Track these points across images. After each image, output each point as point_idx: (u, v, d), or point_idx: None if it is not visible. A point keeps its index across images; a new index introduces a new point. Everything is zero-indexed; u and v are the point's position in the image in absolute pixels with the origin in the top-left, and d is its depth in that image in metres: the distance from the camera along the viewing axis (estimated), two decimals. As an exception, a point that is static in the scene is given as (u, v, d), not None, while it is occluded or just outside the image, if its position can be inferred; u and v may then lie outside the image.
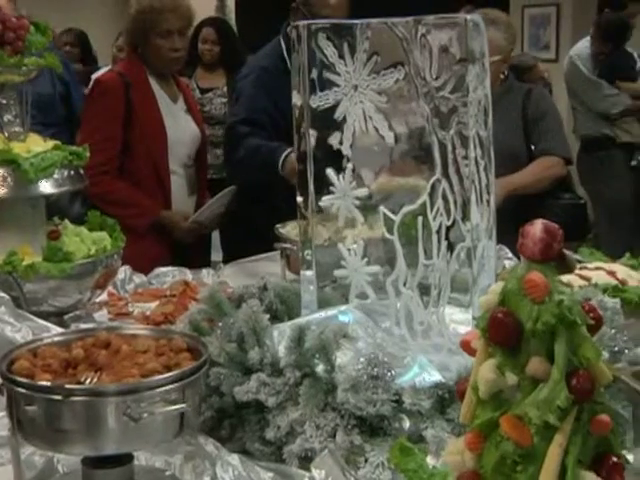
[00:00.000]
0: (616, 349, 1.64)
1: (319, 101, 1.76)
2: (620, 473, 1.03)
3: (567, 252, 1.04)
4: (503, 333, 1.02)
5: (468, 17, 1.61)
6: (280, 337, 1.68)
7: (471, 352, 1.08)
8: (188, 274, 2.75)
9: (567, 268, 1.04)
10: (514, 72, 5.38)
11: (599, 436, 1.03)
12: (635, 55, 5.75)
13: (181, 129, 3.45)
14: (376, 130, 1.74)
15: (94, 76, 4.56)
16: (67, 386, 1.34)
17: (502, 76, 3.45)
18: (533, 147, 3.38)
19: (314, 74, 1.75)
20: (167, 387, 1.33)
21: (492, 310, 1.03)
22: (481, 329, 1.04)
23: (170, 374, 1.37)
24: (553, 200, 3.48)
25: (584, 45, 5.73)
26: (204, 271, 2.81)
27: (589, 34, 5.81)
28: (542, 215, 3.37)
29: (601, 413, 1.03)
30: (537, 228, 1.02)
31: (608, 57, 5.64)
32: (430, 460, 1.39)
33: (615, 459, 1.03)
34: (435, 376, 1.60)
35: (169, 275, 2.74)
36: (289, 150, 3.04)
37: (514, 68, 5.44)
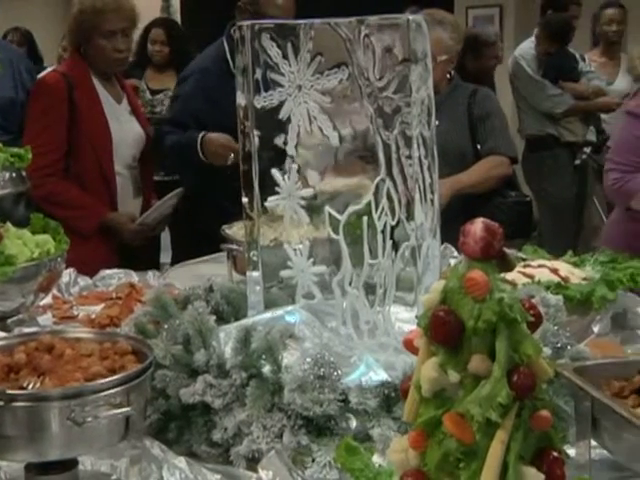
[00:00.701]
0: (559, 345, 1.66)
1: (263, 101, 1.75)
2: (560, 467, 1.05)
3: (507, 250, 1.05)
4: (445, 331, 1.03)
5: (410, 18, 1.63)
6: (226, 338, 1.67)
7: (414, 351, 1.08)
8: (134, 276, 2.72)
9: (507, 266, 1.05)
10: (473, 43, 5.48)
11: (540, 431, 1.05)
12: (577, 56, 5.84)
13: (125, 130, 3.42)
14: (320, 130, 1.74)
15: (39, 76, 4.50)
16: (9, 391, 1.32)
17: (448, 76, 3.50)
18: (479, 146, 3.42)
19: (258, 74, 1.74)
20: (111, 390, 1.32)
21: (434, 309, 1.04)
22: (423, 328, 1.05)
23: (114, 377, 1.35)
24: (499, 199, 3.50)
25: (528, 45, 5.80)
26: (150, 273, 2.78)
27: (532, 34, 5.89)
28: (489, 214, 3.37)
29: (542, 409, 1.04)
30: (478, 227, 1.03)
31: (551, 58, 5.71)
32: (377, 459, 1.40)
33: (555, 454, 1.05)
34: (381, 375, 1.61)
35: (114, 277, 2.72)
36: (203, 133, 3.21)
37: (474, 39, 5.52)
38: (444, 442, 1.04)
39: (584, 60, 5.90)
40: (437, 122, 3.22)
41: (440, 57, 3.26)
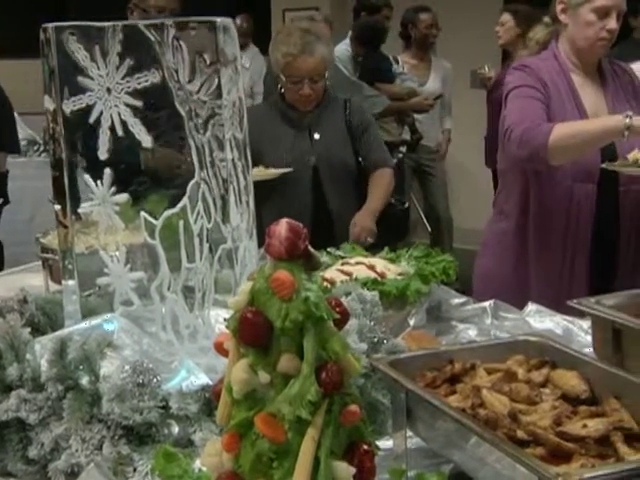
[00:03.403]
0: (375, 340, 1.70)
1: (72, 106, 1.71)
2: (371, 460, 1.07)
3: (312, 250, 1.06)
4: (253, 333, 1.04)
5: (219, 20, 1.62)
6: (42, 350, 1.62)
7: (224, 353, 1.09)
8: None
9: (313, 265, 1.07)
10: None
11: (350, 426, 1.07)
12: (391, 58, 6.01)
13: None
14: (133, 134, 1.71)
15: None
16: None
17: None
18: (361, 159, 3.37)
19: (66, 78, 1.70)
20: None
21: (241, 310, 1.04)
22: (232, 330, 1.05)
23: None
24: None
25: (343, 47, 5.91)
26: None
27: (347, 37, 6.01)
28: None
29: (351, 404, 1.06)
30: (282, 227, 1.04)
31: (365, 60, 5.85)
32: (199, 463, 1.39)
33: (366, 447, 1.07)
34: (202, 379, 1.60)
35: None
36: None
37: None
38: (257, 443, 1.05)
39: (397, 62, 6.09)
40: (318, 136, 3.25)
41: (325, 74, 3.24)
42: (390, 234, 3.27)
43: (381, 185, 3.36)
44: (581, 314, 1.94)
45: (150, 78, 1.70)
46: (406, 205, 3.76)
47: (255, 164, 3.22)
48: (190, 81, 1.66)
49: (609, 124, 2.48)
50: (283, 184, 3.23)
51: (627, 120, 2.40)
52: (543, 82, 2.68)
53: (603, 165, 2.58)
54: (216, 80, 1.65)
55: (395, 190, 3.55)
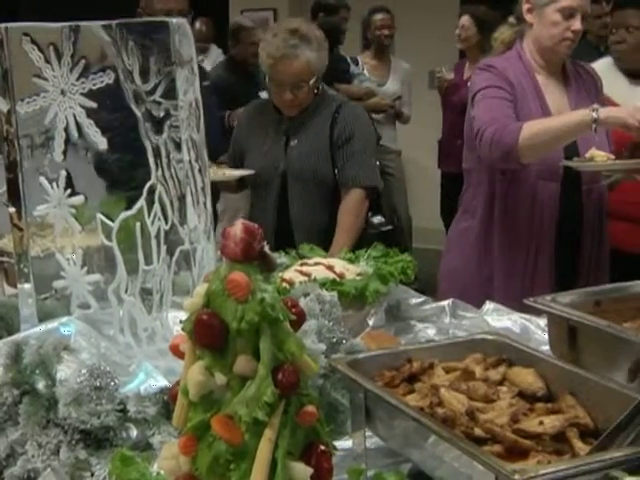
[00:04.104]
0: (334, 340, 1.70)
1: (27, 107, 1.69)
2: (328, 460, 1.07)
3: (268, 251, 1.06)
4: (209, 334, 1.03)
5: (173, 21, 1.62)
6: (-2, 356, 1.60)
7: (180, 356, 1.08)
8: None
9: (269, 266, 1.07)
10: (235, 31, 5.55)
11: (307, 426, 1.07)
12: (349, 58, 6.03)
13: None
14: (88, 136, 1.70)
15: None
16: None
17: (315, 90, 3.12)
18: (337, 172, 3.07)
19: (20, 79, 1.68)
20: None
21: (197, 312, 1.04)
22: (187, 332, 1.05)
23: None
24: (364, 231, 3.16)
25: None
26: None
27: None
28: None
29: (308, 404, 1.06)
30: (237, 229, 1.04)
31: None
32: (157, 467, 1.38)
33: (323, 447, 1.08)
34: (161, 381, 1.59)
35: None
36: None
37: (236, 27, 5.71)
38: (214, 445, 1.04)
39: (356, 63, 6.11)
40: (294, 142, 3.10)
41: (311, 80, 3.01)
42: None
43: (346, 213, 3.03)
44: (539, 312, 1.96)
45: (105, 79, 1.69)
46: (389, 227, 3.40)
47: (239, 163, 3.20)
48: (145, 82, 1.65)
49: (577, 118, 2.51)
50: (255, 187, 3.17)
51: (594, 114, 2.43)
52: (509, 82, 2.71)
53: (563, 162, 2.61)
54: (172, 81, 1.64)
55: (379, 209, 3.32)
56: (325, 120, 3.10)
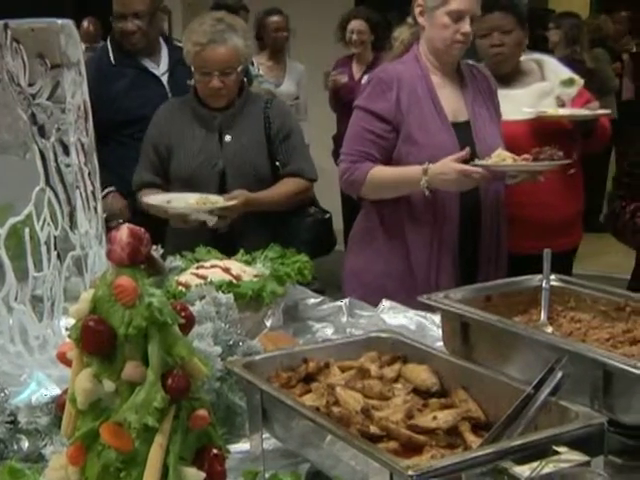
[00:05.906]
0: (231, 342, 1.70)
1: None
2: (221, 463, 1.07)
3: (155, 255, 1.05)
4: (96, 341, 1.02)
5: (59, 22, 1.58)
6: None
7: (68, 364, 1.06)
8: None
9: (157, 270, 1.06)
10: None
11: (199, 431, 1.06)
12: None
13: None
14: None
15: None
16: None
17: (240, 84, 3.14)
18: (280, 166, 3.10)
19: None
20: None
21: (83, 319, 1.02)
22: (74, 339, 1.03)
23: None
24: (299, 218, 3.26)
25: None
26: None
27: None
28: (288, 233, 3.17)
29: (199, 408, 1.05)
30: (123, 233, 1.02)
31: None
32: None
33: (215, 451, 1.07)
34: (53, 390, 1.56)
35: None
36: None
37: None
38: (103, 453, 1.03)
39: (253, 64, 6.10)
40: (229, 138, 3.04)
41: (238, 68, 3.02)
42: (315, 246, 3.10)
43: (282, 185, 3.09)
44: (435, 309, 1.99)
45: (-11, 81, 1.64)
46: (327, 215, 3.46)
47: (167, 164, 3.09)
48: (31, 84, 1.61)
49: (410, 174, 2.68)
50: (189, 188, 3.05)
51: (424, 177, 2.62)
52: (396, 95, 2.73)
53: (476, 162, 2.65)
54: (59, 83, 1.61)
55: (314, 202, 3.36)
56: (257, 115, 3.13)
